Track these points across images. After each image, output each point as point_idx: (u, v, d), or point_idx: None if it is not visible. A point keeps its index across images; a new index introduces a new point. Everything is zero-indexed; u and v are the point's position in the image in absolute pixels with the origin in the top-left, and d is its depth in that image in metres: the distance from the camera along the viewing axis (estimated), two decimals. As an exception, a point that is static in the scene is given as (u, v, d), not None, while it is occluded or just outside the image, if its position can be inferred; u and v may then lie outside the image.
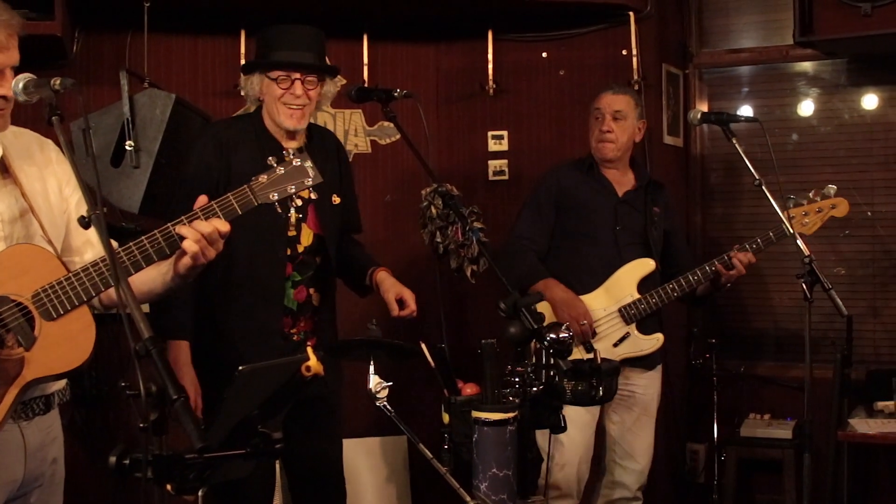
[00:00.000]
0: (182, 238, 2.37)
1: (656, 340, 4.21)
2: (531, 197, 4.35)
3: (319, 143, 3.67)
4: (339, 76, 3.59)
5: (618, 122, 4.23)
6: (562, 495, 4.16)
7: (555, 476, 4.11)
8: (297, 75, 3.46)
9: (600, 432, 4.35)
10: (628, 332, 4.16)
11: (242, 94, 3.63)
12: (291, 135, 3.53)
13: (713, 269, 4.13)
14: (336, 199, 3.65)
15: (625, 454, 4.34)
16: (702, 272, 4.15)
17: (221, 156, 3.42)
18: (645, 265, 4.21)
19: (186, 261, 2.40)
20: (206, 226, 2.39)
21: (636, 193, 4.31)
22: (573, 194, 4.27)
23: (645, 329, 4.20)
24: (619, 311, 4.15)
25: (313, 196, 3.52)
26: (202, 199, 2.46)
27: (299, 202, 3.51)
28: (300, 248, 3.53)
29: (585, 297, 4.13)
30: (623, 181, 4.32)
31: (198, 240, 2.37)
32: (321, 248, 3.58)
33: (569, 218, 4.26)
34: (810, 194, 4.13)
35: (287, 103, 3.44)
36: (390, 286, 3.57)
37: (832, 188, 4.16)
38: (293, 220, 3.51)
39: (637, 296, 4.16)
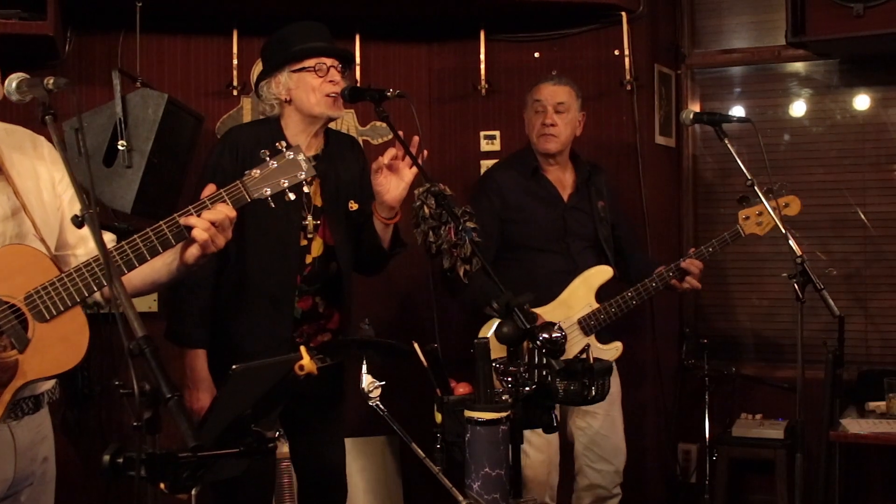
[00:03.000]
0: (190, 228, 2.40)
1: (615, 350, 4.15)
2: (472, 209, 4.29)
3: (337, 148, 3.66)
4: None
5: (560, 114, 4.15)
6: None
7: (527, 488, 4.06)
8: (333, 62, 3.47)
9: (566, 439, 4.29)
10: (588, 344, 4.09)
11: (260, 101, 3.60)
12: (313, 137, 3.53)
13: (670, 275, 4.11)
14: (353, 205, 3.63)
15: (597, 458, 4.27)
16: (659, 278, 4.12)
17: (236, 162, 3.41)
18: (602, 273, 4.15)
19: (194, 250, 2.43)
20: (217, 214, 2.42)
21: (580, 194, 4.25)
22: (518, 206, 4.17)
23: (604, 339, 4.14)
24: (578, 322, 4.07)
25: (305, 188, 3.50)
26: (212, 187, 2.48)
27: (319, 201, 3.50)
28: (308, 259, 3.52)
29: (542, 310, 3.98)
30: (566, 181, 4.26)
31: (206, 228, 2.39)
32: (332, 258, 3.57)
33: (516, 230, 4.17)
34: (760, 194, 3.95)
35: (327, 92, 3.45)
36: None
37: (783, 186, 4.10)
38: (310, 227, 3.51)
39: (595, 305, 4.09)
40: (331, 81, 3.46)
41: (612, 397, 4.26)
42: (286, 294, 3.49)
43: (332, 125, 3.69)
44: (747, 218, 4.16)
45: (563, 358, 3.88)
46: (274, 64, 3.52)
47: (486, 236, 4.12)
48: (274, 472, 3.77)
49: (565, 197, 4.24)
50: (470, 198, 4.32)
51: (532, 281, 4.02)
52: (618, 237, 4.38)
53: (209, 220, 2.41)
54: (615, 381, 4.27)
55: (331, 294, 3.60)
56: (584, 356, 2.76)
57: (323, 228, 3.55)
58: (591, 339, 4.09)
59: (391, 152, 3.37)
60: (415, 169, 3.38)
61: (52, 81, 2.27)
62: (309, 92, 3.45)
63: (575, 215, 4.22)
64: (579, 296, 4.11)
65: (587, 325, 4.08)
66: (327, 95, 3.45)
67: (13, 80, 2.32)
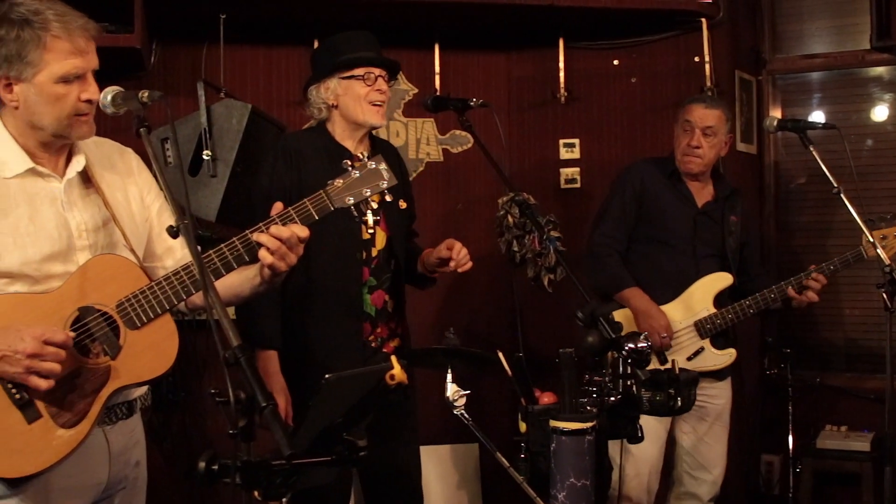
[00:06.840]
0: (261, 245, 2.41)
1: (729, 356, 4.17)
2: (615, 194, 4.29)
3: (382, 152, 3.69)
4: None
5: (707, 137, 4.16)
6: None
7: (625, 486, 4.07)
8: (380, 71, 3.51)
9: (671, 443, 4.31)
10: (702, 347, 4.11)
11: (308, 104, 3.64)
12: (359, 143, 3.57)
13: (787, 287, 4.07)
14: (403, 204, 3.68)
15: (697, 465, 4.30)
16: (778, 290, 4.09)
17: (292, 167, 3.47)
18: (722, 279, 4.16)
19: (267, 269, 2.45)
20: (284, 231, 2.43)
21: (715, 205, 4.26)
22: (654, 198, 4.22)
23: (718, 344, 4.15)
24: (695, 324, 4.11)
25: (388, 198, 3.55)
26: (278, 206, 2.50)
27: (375, 205, 3.54)
28: (374, 252, 3.56)
29: (663, 307, 4.09)
30: (703, 192, 4.27)
31: (277, 247, 2.41)
32: (392, 251, 3.60)
33: (647, 222, 4.22)
34: (888, 216, 4.01)
35: (373, 101, 3.50)
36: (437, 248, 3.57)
37: None
38: (371, 222, 3.55)
39: (713, 310, 4.11)
40: (377, 90, 3.52)
41: (723, 406, 4.30)
42: (353, 289, 3.52)
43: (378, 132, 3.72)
44: (871, 241, 4.07)
45: (680, 352, 3.97)
46: (324, 70, 3.58)
47: (623, 223, 4.21)
48: (351, 479, 3.77)
49: (700, 203, 4.25)
50: (612, 186, 4.36)
51: (656, 277, 4.14)
52: (745, 257, 4.37)
53: (277, 238, 2.41)
54: (727, 394, 4.32)
55: (396, 293, 3.63)
56: (669, 366, 2.74)
57: (382, 221, 3.59)
58: (706, 343, 4.13)
59: (459, 251, 3.45)
60: (469, 264, 3.47)
61: (146, 94, 2.32)
62: (356, 100, 3.51)
63: (705, 221, 4.24)
64: (699, 298, 4.14)
65: (703, 328, 4.11)
66: (373, 104, 3.51)
67: (108, 94, 2.37)
